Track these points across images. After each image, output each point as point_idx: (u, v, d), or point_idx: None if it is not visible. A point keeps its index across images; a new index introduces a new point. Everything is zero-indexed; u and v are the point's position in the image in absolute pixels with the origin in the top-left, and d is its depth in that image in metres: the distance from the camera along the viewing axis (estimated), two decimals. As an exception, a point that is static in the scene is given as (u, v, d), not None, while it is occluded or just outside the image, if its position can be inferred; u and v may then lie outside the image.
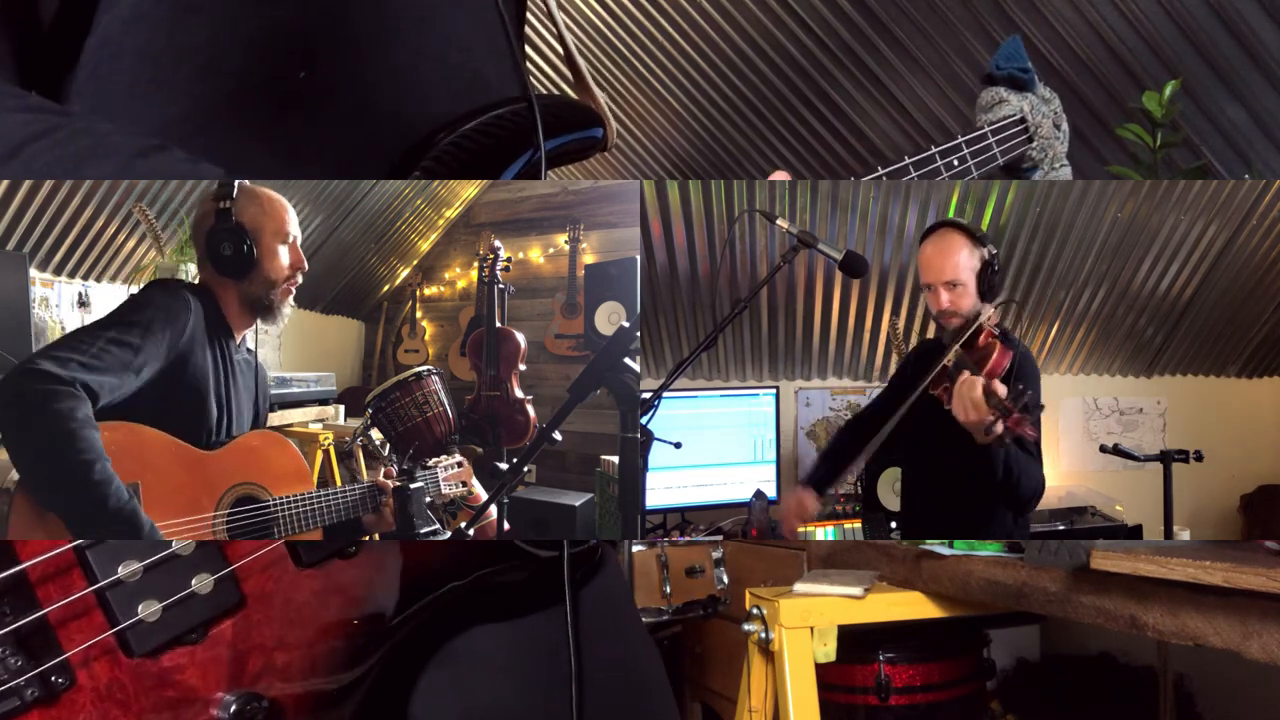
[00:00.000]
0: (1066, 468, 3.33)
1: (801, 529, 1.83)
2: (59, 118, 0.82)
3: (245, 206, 1.47)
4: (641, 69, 3.12)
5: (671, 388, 1.53)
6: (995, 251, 1.72)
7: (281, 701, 0.75)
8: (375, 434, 2.53)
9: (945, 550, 1.69)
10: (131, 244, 3.27)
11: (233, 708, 0.73)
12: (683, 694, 2.55)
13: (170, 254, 3.15)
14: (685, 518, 2.85)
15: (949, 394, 1.54)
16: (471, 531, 1.31)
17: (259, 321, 1.53)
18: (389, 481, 1.63)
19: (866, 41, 2.67)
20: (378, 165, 0.91)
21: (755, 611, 1.76)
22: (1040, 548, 1.45)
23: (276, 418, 3.21)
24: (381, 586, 0.82)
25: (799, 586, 1.78)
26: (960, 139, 1.59)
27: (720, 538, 2.19)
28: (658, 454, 1.62)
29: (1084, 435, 3.37)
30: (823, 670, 1.73)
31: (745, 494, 2.64)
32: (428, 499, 1.67)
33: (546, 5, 1.12)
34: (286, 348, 4.52)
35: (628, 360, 1.26)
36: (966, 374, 1.53)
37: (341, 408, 3.76)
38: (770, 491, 2.79)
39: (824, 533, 2.70)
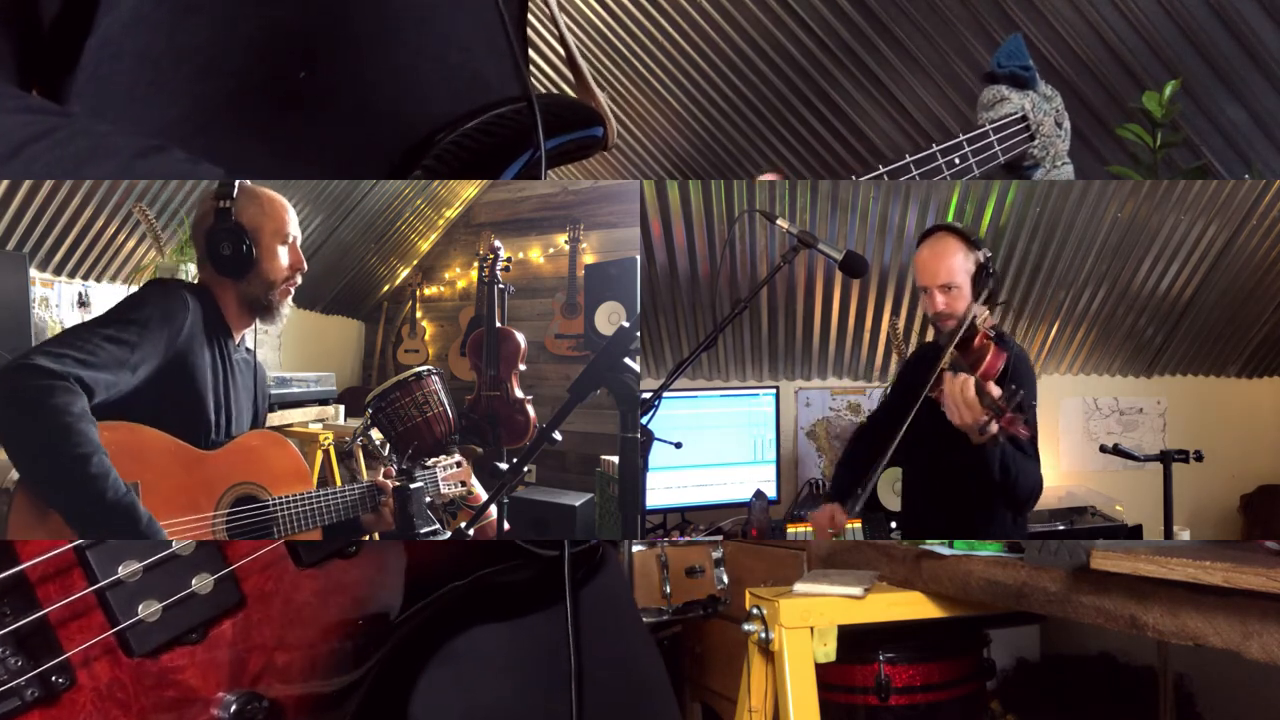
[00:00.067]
0: (1066, 468, 3.33)
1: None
2: (59, 118, 0.82)
3: (245, 206, 1.47)
4: (641, 69, 3.12)
5: (671, 388, 1.53)
6: (990, 254, 1.73)
7: (282, 701, 0.75)
8: (375, 434, 2.53)
9: (945, 550, 1.70)
10: (131, 244, 3.27)
11: (233, 708, 0.73)
12: (683, 694, 2.55)
13: (170, 254, 3.15)
14: (685, 518, 2.84)
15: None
16: (471, 531, 1.31)
17: (258, 321, 1.53)
18: (388, 481, 1.63)
19: (866, 41, 2.67)
20: (378, 165, 0.91)
21: (755, 611, 1.76)
22: (1040, 548, 1.45)
23: (276, 418, 3.21)
24: (382, 586, 0.82)
25: (799, 586, 1.78)
26: (961, 137, 1.59)
27: (720, 538, 2.19)
28: (658, 454, 1.62)
29: (1084, 435, 3.37)
30: (823, 670, 1.73)
31: (745, 494, 2.64)
32: (427, 499, 1.67)
33: (549, 7, 1.12)
34: (286, 348, 4.52)
35: (628, 360, 1.26)
36: (959, 374, 1.54)
37: (341, 408, 3.76)
38: (770, 491, 2.79)
39: (824, 533, 2.70)
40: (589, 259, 4.51)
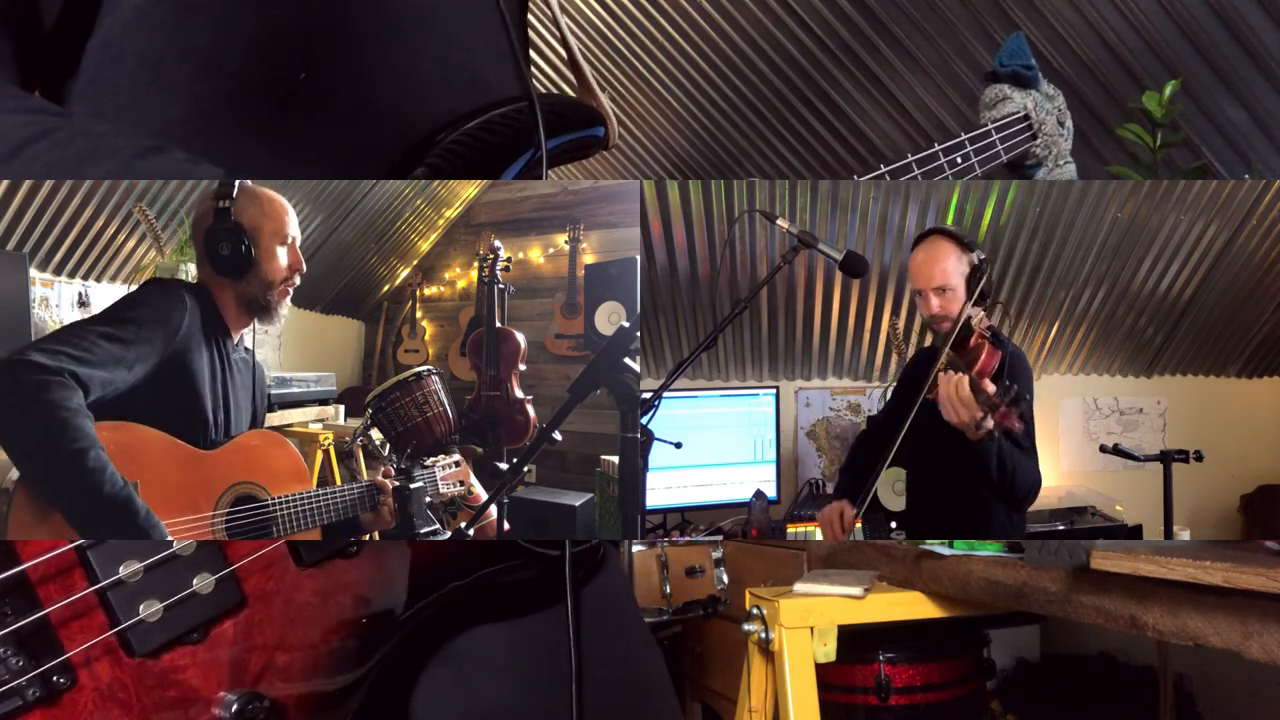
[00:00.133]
0: (1066, 468, 3.33)
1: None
2: (59, 119, 0.82)
3: (245, 206, 1.47)
4: (641, 69, 3.12)
5: (671, 388, 1.53)
6: (983, 256, 1.74)
7: (283, 701, 0.75)
8: (375, 434, 2.54)
9: (945, 550, 1.70)
10: (131, 244, 3.27)
11: (234, 707, 0.73)
12: (683, 694, 2.55)
13: (170, 254, 3.15)
14: (685, 518, 2.84)
15: None
16: (471, 531, 1.31)
17: (256, 322, 1.53)
18: (387, 481, 1.63)
19: (866, 41, 2.67)
20: (378, 165, 0.91)
21: (755, 611, 1.76)
22: (1040, 548, 1.45)
23: (276, 418, 3.21)
24: (383, 586, 0.82)
25: (799, 586, 1.78)
26: (964, 136, 1.59)
27: (720, 538, 2.19)
28: (658, 454, 1.62)
29: (1084, 435, 3.37)
30: (823, 670, 1.73)
31: (745, 494, 2.64)
32: (427, 499, 1.68)
33: (551, 9, 1.12)
34: (286, 348, 4.52)
35: (628, 360, 1.26)
36: (954, 373, 1.55)
37: (341, 408, 3.76)
38: (770, 491, 2.79)
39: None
40: (589, 259, 4.51)
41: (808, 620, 1.71)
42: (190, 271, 2.89)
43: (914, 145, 1.73)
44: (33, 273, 2.88)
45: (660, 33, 2.98)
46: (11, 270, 2.60)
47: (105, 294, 3.29)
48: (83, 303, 3.22)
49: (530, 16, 1.14)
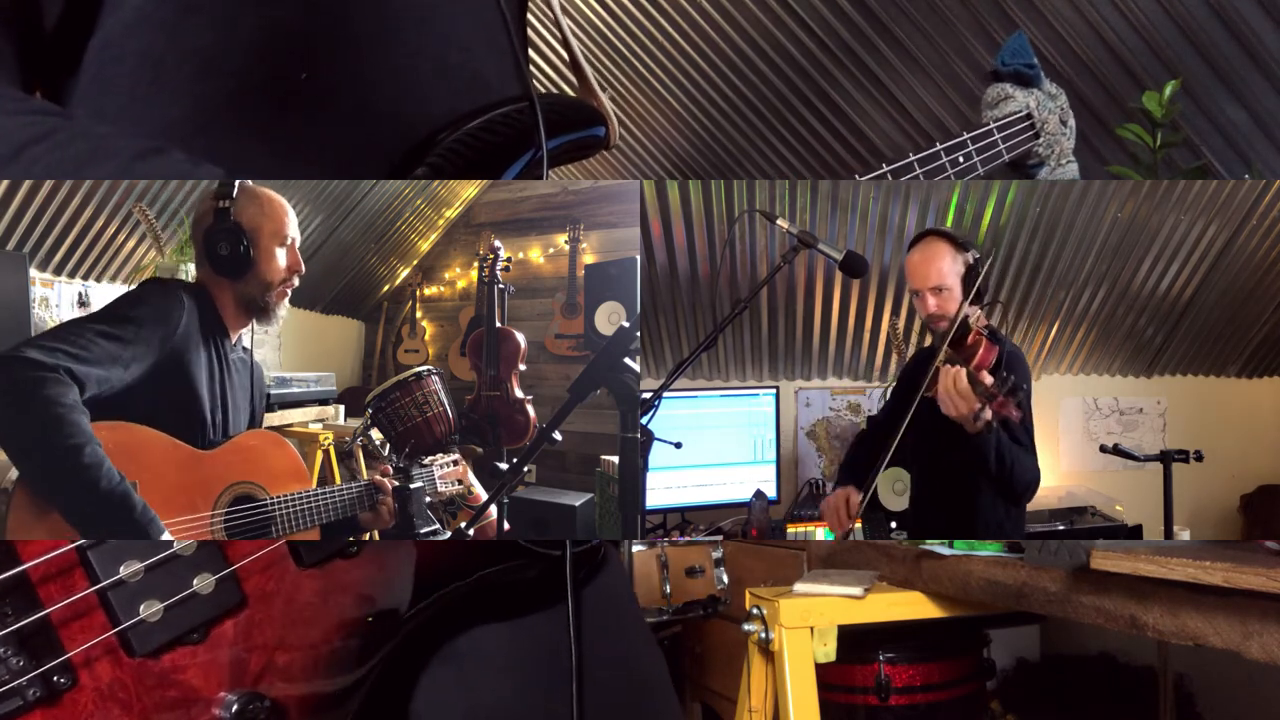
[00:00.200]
0: (1066, 468, 3.33)
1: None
2: (60, 120, 0.82)
3: (245, 207, 1.47)
4: (641, 69, 3.12)
5: (671, 388, 1.53)
6: (979, 255, 1.75)
7: (283, 701, 0.75)
8: (375, 434, 2.54)
9: (945, 550, 1.70)
10: (131, 244, 3.27)
11: (234, 707, 0.73)
12: (683, 694, 2.55)
13: (170, 254, 3.15)
14: (685, 518, 2.84)
15: None
16: (471, 531, 1.31)
17: (254, 322, 1.53)
18: (385, 480, 1.63)
19: (866, 41, 2.67)
20: (378, 165, 0.91)
21: (755, 611, 1.76)
22: (1040, 548, 1.45)
23: (276, 418, 3.21)
24: (383, 586, 0.82)
25: (799, 586, 1.78)
26: (966, 136, 1.59)
27: (720, 538, 2.19)
28: (658, 454, 1.62)
29: (1084, 435, 3.37)
30: (823, 670, 1.73)
31: (745, 494, 2.64)
32: (426, 498, 1.68)
33: (552, 10, 1.12)
34: (286, 348, 4.52)
35: (628, 360, 1.26)
36: (952, 366, 1.55)
37: (341, 408, 3.75)
38: (770, 491, 2.79)
39: (824, 533, 2.70)
40: (589, 259, 4.51)
41: (808, 620, 1.71)
42: (190, 271, 2.88)
43: (914, 145, 1.73)
44: (33, 273, 2.88)
45: (660, 33, 2.98)
46: (11, 270, 2.60)
47: (105, 294, 3.28)
48: (83, 303, 3.22)
49: (530, 17, 1.14)
